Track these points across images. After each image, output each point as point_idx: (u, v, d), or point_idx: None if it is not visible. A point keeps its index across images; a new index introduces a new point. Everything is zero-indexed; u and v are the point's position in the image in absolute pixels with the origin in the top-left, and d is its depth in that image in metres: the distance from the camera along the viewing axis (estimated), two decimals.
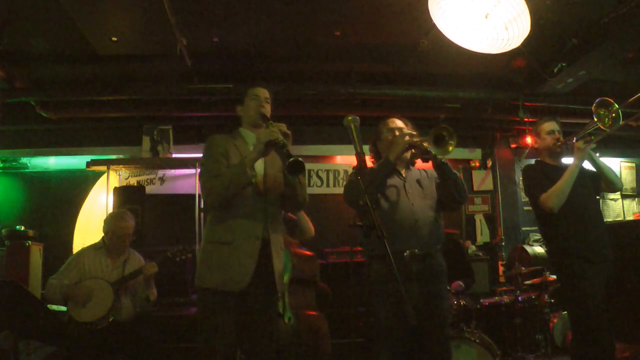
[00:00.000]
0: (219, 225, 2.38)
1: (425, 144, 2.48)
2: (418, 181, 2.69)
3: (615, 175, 3.12)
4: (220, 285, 2.29)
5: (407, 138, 2.53)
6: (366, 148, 2.23)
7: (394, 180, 2.64)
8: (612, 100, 2.94)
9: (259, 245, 2.36)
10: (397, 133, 2.66)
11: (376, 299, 2.55)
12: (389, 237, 2.44)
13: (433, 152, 2.45)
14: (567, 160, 3.11)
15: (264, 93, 2.58)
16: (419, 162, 2.77)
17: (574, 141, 2.98)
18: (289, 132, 2.37)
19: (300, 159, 2.22)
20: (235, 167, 2.32)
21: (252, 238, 2.35)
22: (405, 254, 2.47)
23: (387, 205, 2.58)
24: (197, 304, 2.41)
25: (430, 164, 2.60)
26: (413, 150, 2.60)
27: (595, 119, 2.93)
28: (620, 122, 2.92)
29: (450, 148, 2.43)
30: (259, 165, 2.44)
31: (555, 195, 2.87)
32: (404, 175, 2.69)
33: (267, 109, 2.57)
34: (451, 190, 2.57)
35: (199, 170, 4.86)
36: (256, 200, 2.40)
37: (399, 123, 2.74)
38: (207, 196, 2.36)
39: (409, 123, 2.76)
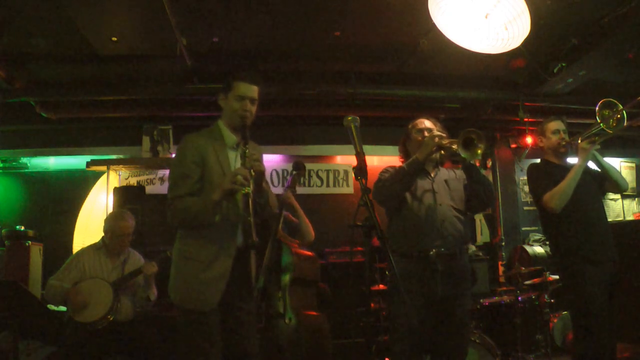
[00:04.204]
0: (192, 240, 2.25)
1: (454, 147, 2.51)
2: (446, 181, 2.72)
3: (621, 176, 3.11)
4: (191, 304, 2.20)
5: (436, 140, 2.55)
6: (367, 148, 2.22)
7: (422, 180, 2.67)
8: (616, 102, 2.93)
9: (231, 262, 2.24)
10: (426, 134, 2.70)
11: (396, 295, 2.57)
12: (417, 237, 2.54)
13: (462, 155, 2.48)
14: (572, 160, 3.09)
15: (251, 92, 2.31)
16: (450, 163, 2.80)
17: (579, 142, 2.97)
18: (262, 169, 2.22)
19: (255, 241, 2.07)
20: (198, 204, 2.16)
21: (225, 256, 2.23)
22: (431, 253, 2.50)
23: (414, 205, 2.61)
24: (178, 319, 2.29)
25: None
26: (442, 152, 2.62)
27: (599, 120, 2.91)
28: (625, 124, 2.91)
29: (479, 151, 2.46)
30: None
31: (558, 196, 2.86)
32: (432, 175, 2.72)
33: (252, 111, 2.32)
34: (479, 191, 2.61)
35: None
36: (236, 212, 2.25)
37: (428, 124, 2.77)
38: (170, 218, 2.23)
39: (438, 123, 2.79)
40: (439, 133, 2.64)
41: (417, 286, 2.48)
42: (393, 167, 2.70)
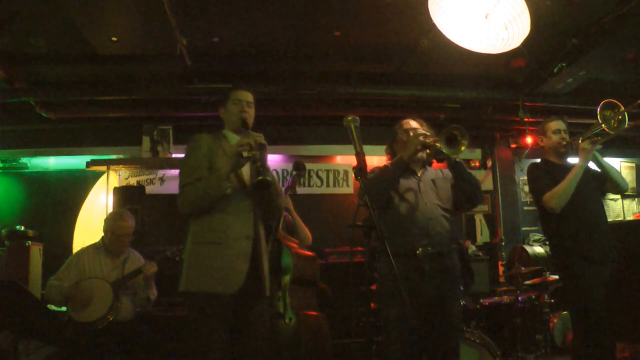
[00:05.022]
0: (206, 225, 2.33)
1: (437, 144, 2.50)
2: (433, 181, 2.71)
3: (621, 176, 3.11)
4: (212, 288, 2.22)
5: (420, 138, 2.55)
6: (367, 148, 2.22)
7: (409, 180, 2.66)
8: (618, 103, 2.92)
9: (250, 245, 2.32)
10: (411, 134, 2.69)
11: (386, 297, 2.56)
12: (403, 236, 2.51)
13: (445, 152, 2.47)
14: (572, 160, 3.08)
15: (246, 97, 2.53)
16: (436, 162, 2.79)
17: (580, 142, 2.96)
18: (264, 142, 2.31)
19: (268, 178, 2.20)
20: (210, 179, 2.28)
21: (243, 238, 2.32)
22: (417, 252, 2.49)
23: (401, 204, 2.60)
24: (189, 309, 2.33)
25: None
26: (428, 151, 2.62)
27: (601, 121, 2.89)
28: (626, 125, 2.90)
29: (462, 148, 2.46)
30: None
31: (558, 195, 2.86)
32: (419, 175, 2.71)
33: (250, 113, 2.53)
34: (466, 190, 2.60)
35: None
36: (243, 198, 2.37)
37: (413, 124, 2.76)
38: (181, 204, 2.34)
39: (424, 123, 2.78)
40: (423, 132, 2.63)
41: (405, 287, 2.45)
42: (379, 168, 2.70)
